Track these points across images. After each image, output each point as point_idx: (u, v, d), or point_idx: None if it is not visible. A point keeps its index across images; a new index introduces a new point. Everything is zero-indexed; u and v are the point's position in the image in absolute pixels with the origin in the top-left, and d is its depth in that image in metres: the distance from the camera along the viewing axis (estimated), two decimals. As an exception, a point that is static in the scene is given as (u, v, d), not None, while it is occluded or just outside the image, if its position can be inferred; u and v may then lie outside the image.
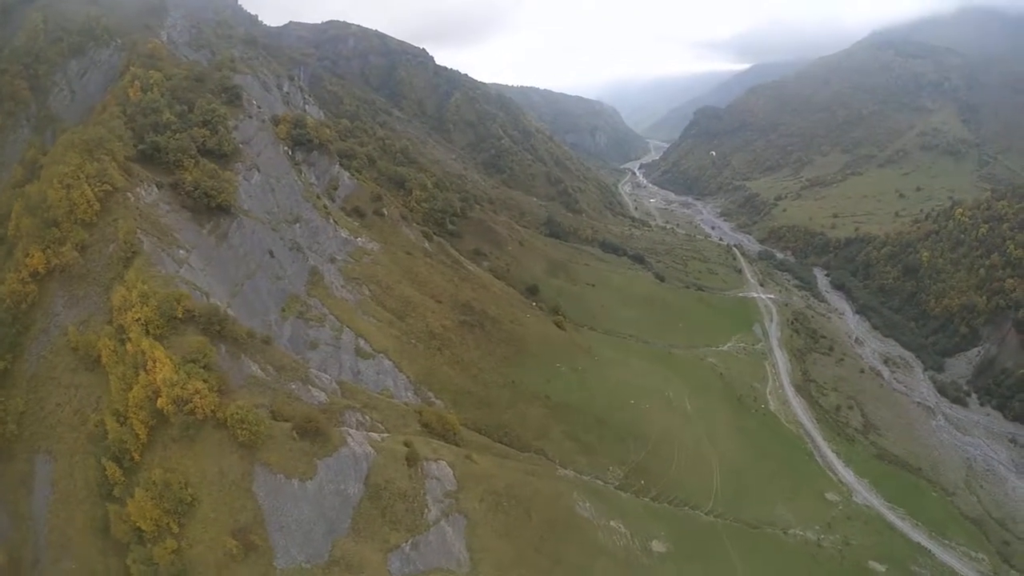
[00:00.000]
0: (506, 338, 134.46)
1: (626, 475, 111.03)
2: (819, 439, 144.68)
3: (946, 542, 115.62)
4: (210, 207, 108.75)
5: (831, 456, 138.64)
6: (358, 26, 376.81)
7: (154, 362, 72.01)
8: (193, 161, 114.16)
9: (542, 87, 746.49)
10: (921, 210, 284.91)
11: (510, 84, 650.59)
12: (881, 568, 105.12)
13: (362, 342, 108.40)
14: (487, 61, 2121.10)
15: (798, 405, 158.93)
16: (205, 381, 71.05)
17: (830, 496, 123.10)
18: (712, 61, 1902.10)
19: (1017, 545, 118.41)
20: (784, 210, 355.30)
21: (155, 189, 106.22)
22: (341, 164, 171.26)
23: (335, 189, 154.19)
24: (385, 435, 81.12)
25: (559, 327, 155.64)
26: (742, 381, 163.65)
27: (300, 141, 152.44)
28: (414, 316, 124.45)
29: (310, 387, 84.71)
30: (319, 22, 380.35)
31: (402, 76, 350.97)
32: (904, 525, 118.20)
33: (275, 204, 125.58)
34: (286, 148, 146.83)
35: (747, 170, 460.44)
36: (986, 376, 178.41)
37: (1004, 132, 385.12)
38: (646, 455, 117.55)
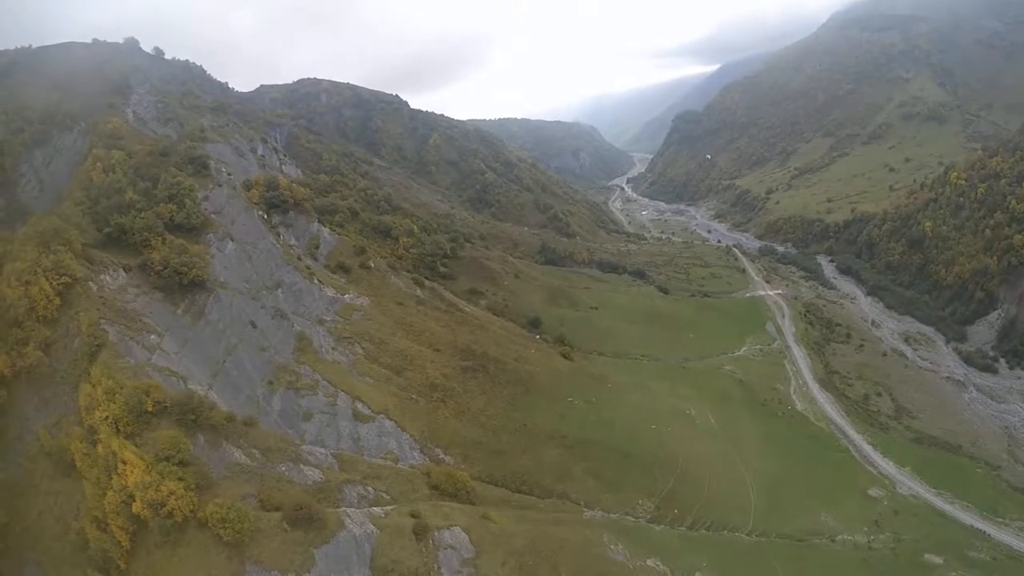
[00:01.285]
0: (512, 378, 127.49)
1: (657, 507, 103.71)
2: (852, 433, 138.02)
3: (999, 520, 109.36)
4: (183, 284, 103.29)
5: (867, 449, 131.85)
6: (329, 81, 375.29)
7: (124, 464, 65.96)
8: (160, 239, 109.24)
9: (519, 117, 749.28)
10: (914, 180, 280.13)
11: (488, 118, 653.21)
12: (938, 560, 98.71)
13: (359, 405, 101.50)
14: (462, 99, 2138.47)
15: (825, 400, 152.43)
16: (181, 479, 64.80)
17: (873, 492, 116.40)
18: (682, 67, 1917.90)
19: None
20: (777, 202, 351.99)
21: (122, 273, 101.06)
22: (322, 220, 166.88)
23: (316, 247, 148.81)
24: (390, 507, 74.09)
25: (566, 358, 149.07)
26: (763, 385, 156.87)
27: (275, 203, 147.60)
28: (412, 369, 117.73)
29: (302, 466, 78.20)
30: (290, 82, 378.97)
31: (378, 125, 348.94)
32: (954, 509, 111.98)
33: (253, 272, 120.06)
34: (261, 212, 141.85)
35: (734, 168, 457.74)
36: (1011, 338, 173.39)
37: (983, 89, 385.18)
38: (675, 482, 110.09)
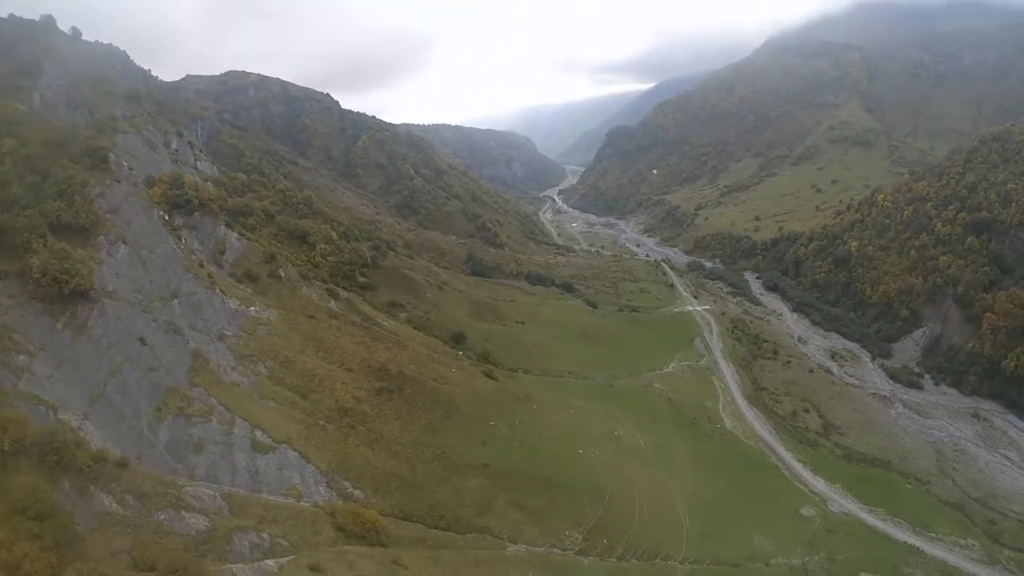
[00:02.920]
0: (430, 401, 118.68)
1: (585, 537, 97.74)
2: (782, 450, 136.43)
3: (932, 535, 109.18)
4: (63, 294, 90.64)
5: (797, 467, 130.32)
6: (258, 75, 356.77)
7: (-27, 517, 55.50)
8: (42, 241, 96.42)
9: (454, 123, 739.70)
10: (840, 201, 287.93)
11: (421, 123, 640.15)
12: None
13: (259, 433, 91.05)
14: (397, 104, 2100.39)
15: (754, 418, 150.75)
16: (37, 536, 54.53)
17: (805, 511, 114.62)
18: (618, 83, 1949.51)
19: (1003, 522, 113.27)
20: (706, 219, 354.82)
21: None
22: (236, 222, 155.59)
23: (222, 253, 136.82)
24: (286, 559, 64.98)
25: (489, 377, 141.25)
26: (692, 402, 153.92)
27: (178, 203, 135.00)
28: (321, 391, 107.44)
29: (184, 513, 68.02)
30: (218, 73, 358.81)
31: (306, 123, 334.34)
32: (886, 526, 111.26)
33: (147, 280, 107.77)
34: (162, 213, 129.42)
35: (664, 184, 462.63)
36: (935, 355, 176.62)
37: (909, 117, 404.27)
38: (604, 510, 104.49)
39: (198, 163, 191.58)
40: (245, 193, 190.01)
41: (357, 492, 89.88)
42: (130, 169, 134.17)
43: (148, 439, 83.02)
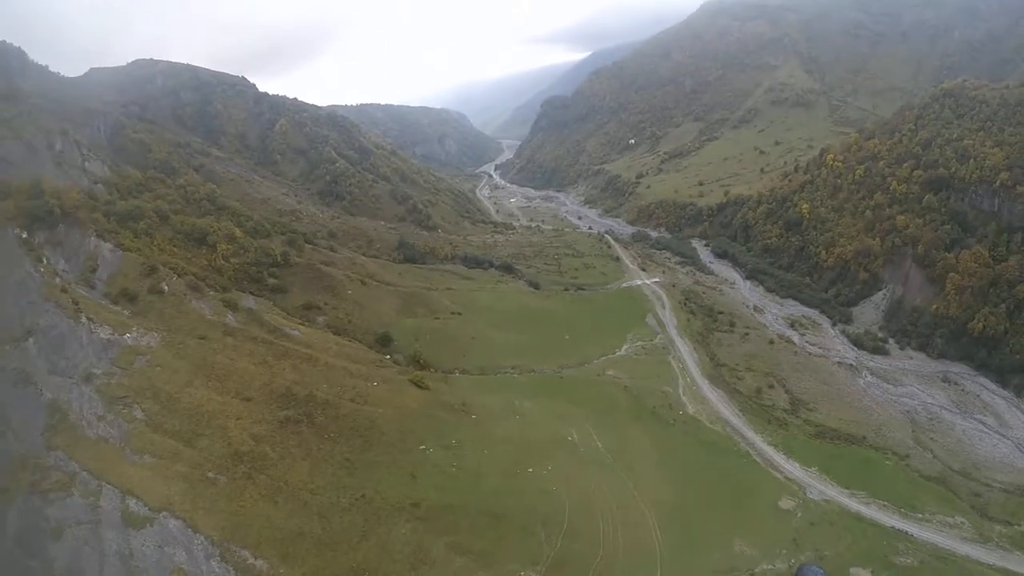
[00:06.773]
0: (347, 428, 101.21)
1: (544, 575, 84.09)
2: (750, 433, 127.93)
3: (919, 516, 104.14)
4: None
5: (768, 451, 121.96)
6: (166, 62, 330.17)
7: None
8: None
9: (384, 102, 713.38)
10: (785, 163, 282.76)
11: (349, 104, 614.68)
12: (865, 572, 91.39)
13: (132, 502, 73.32)
14: (323, 85, 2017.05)
15: (717, 399, 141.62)
16: None
17: (784, 503, 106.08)
18: (552, 54, 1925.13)
19: (988, 494, 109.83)
20: (648, 187, 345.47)
21: None
22: (125, 228, 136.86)
23: (93, 271, 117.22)
24: None
25: (419, 386, 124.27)
26: (651, 389, 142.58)
27: (38, 215, 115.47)
28: (210, 433, 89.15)
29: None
30: (123, 64, 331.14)
31: (218, 109, 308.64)
32: (871, 510, 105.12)
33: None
34: (19, 230, 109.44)
35: (603, 153, 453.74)
36: (898, 318, 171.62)
37: (849, 76, 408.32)
38: (564, 539, 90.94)
39: (86, 163, 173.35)
40: (141, 193, 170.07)
41: (259, 562, 72.89)
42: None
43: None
